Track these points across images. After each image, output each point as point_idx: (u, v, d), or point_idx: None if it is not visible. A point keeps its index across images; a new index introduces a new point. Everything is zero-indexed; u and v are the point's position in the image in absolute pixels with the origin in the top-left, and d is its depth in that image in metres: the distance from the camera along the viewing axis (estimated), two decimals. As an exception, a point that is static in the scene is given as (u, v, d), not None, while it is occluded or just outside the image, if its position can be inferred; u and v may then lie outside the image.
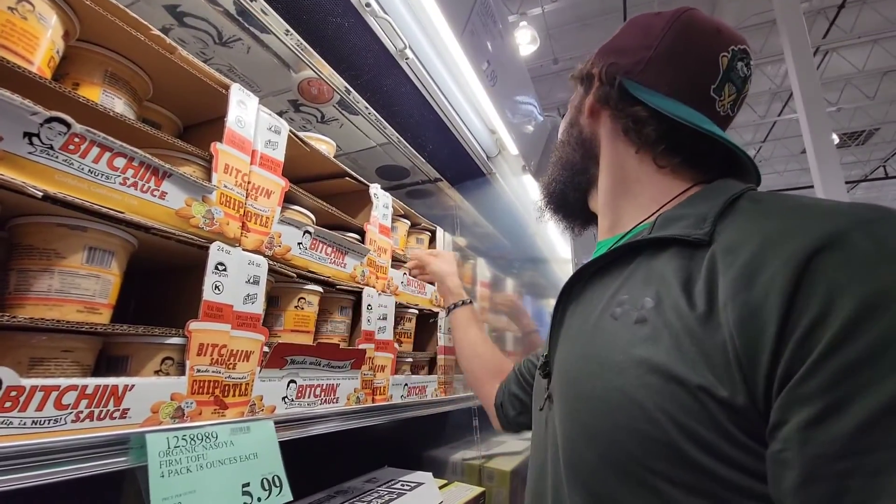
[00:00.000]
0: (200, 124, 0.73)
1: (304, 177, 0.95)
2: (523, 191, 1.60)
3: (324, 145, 0.97)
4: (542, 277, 2.28)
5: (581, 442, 0.41)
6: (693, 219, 0.42)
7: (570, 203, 0.62)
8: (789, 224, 0.34)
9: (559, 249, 2.03)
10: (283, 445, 0.62)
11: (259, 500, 0.54)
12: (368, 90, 0.95)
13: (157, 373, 0.52)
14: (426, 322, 1.23)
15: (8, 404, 0.37)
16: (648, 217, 0.50)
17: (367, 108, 1.08)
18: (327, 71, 0.98)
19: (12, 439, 0.37)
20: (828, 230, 0.32)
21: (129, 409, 0.46)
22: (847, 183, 7.53)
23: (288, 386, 0.68)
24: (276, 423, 0.63)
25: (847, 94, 7.02)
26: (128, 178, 0.49)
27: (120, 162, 0.48)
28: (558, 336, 0.51)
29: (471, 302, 0.99)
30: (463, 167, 1.32)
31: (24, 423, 0.38)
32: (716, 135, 0.45)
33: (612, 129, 0.54)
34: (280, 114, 1.28)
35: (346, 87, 1.03)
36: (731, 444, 0.32)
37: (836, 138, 6.91)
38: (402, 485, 0.94)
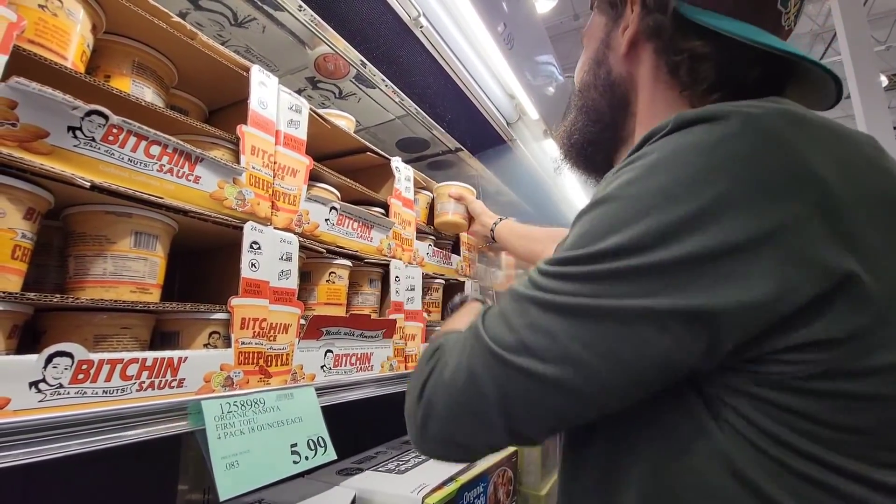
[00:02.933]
0: (224, 108, 0.75)
1: (327, 154, 0.97)
2: (545, 156, 1.57)
3: (343, 121, 0.98)
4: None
5: None
6: None
7: (596, 161, 0.54)
8: None
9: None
10: (325, 410, 0.67)
11: (307, 458, 0.59)
12: (384, 62, 0.94)
13: (205, 346, 0.56)
14: (453, 292, 1.25)
15: (81, 376, 0.42)
16: None
17: (383, 80, 1.07)
18: (342, 45, 0.97)
19: (89, 406, 0.41)
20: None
21: (184, 379, 0.50)
22: (895, 128, 7.03)
23: (325, 355, 0.72)
24: (316, 389, 0.67)
25: (898, 29, 6.45)
26: (164, 165, 0.51)
27: (155, 150, 0.50)
28: None
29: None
30: (483, 135, 1.31)
31: (97, 393, 0.43)
32: (797, 55, 0.37)
33: (654, 68, 0.45)
34: (298, 92, 1.28)
35: (361, 61, 1.02)
36: None
37: (884, 80, 6.41)
38: (438, 445, 0.99)
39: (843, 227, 0.29)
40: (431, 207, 1.17)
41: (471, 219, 1.13)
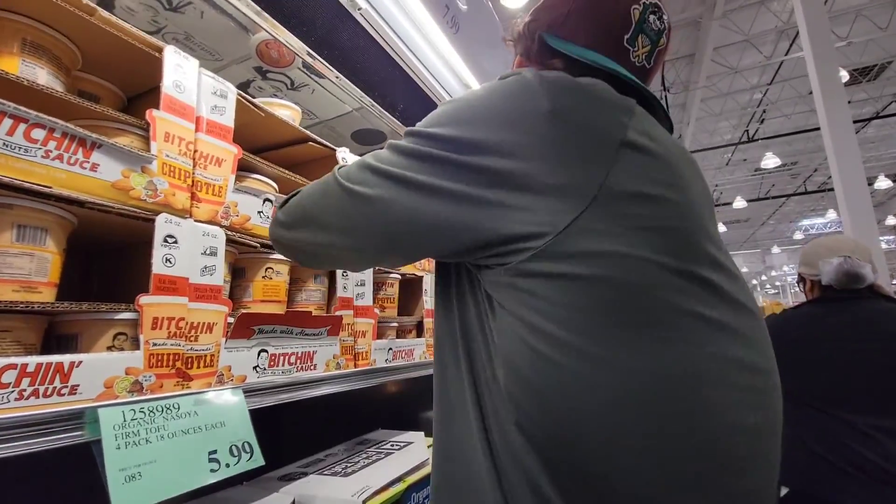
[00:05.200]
0: (146, 94, 0.70)
1: (266, 145, 0.92)
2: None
3: (287, 111, 0.93)
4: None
5: None
6: None
7: None
8: None
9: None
10: (266, 413, 0.63)
11: (228, 465, 0.55)
12: (324, 47, 0.90)
13: (109, 348, 0.51)
14: (412, 287, 1.22)
15: (-61, 386, 0.37)
16: None
17: (330, 69, 1.03)
18: (281, 32, 0.93)
19: (-54, 419, 0.37)
20: None
21: (78, 385, 0.46)
22: (856, 122, 7.28)
23: (259, 355, 0.68)
24: (248, 391, 0.63)
25: (858, 26, 6.67)
26: (51, 151, 0.46)
27: (39, 133, 0.46)
28: None
29: None
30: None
31: (-39, 404, 0.38)
32: (622, 74, 0.48)
33: None
34: (248, 82, 1.23)
35: (307, 51, 0.98)
36: None
37: (845, 75, 6.62)
38: (392, 445, 0.96)
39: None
40: None
41: None
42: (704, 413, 0.36)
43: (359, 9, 0.83)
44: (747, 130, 9.66)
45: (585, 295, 0.37)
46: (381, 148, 0.48)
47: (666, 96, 7.71)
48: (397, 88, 1.08)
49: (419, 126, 0.46)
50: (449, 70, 1.09)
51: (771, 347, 0.44)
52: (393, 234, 0.45)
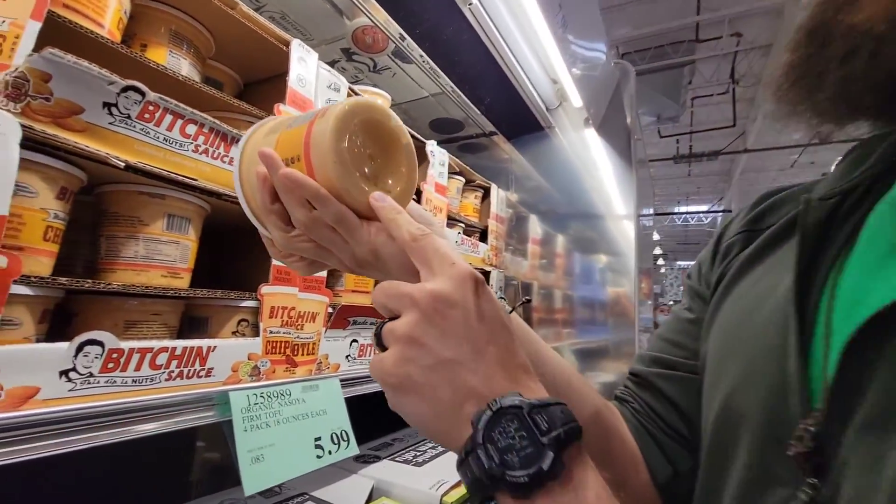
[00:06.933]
0: (260, 81, 0.72)
1: (361, 134, 0.93)
2: (583, 145, 1.50)
3: (379, 99, 0.94)
4: (595, 232, 2.20)
5: None
6: None
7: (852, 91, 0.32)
8: None
9: (615, 205, 1.94)
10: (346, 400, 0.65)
11: (330, 452, 0.58)
12: (427, 39, 0.89)
13: (234, 333, 0.54)
14: (478, 280, 1.22)
15: (111, 365, 0.40)
16: None
17: (421, 55, 1.02)
18: (382, 17, 0.92)
19: (118, 396, 0.40)
20: None
21: (213, 369, 0.49)
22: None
23: (350, 345, 0.71)
24: (341, 380, 0.65)
25: None
26: (199, 146, 0.49)
27: (191, 129, 0.48)
28: None
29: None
30: (520, 120, 1.25)
31: (126, 382, 0.42)
32: None
33: None
34: (332, 63, 1.24)
35: (400, 34, 0.97)
36: None
37: None
38: (454, 436, 0.98)
39: None
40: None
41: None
42: None
43: (469, 4, 0.81)
44: (819, 131, 8.95)
45: None
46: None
47: (734, 89, 7.23)
48: (488, 83, 1.06)
49: None
50: (541, 67, 1.06)
51: None
52: None
